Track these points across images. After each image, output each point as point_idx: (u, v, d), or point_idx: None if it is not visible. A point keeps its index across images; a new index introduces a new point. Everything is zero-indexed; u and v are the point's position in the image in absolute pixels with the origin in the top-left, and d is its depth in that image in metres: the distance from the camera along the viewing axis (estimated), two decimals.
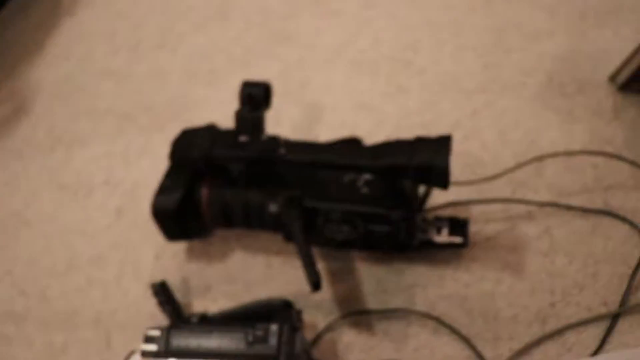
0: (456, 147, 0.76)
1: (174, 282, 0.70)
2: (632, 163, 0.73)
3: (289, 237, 0.67)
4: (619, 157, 0.74)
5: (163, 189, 0.66)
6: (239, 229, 0.69)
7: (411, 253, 0.69)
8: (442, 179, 0.58)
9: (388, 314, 0.66)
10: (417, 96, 0.83)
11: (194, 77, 0.91)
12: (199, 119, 0.76)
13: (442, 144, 0.59)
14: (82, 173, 0.84)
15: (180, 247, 0.74)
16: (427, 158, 0.58)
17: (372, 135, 0.79)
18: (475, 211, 0.72)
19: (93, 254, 0.76)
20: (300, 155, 0.63)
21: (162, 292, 0.65)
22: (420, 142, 0.60)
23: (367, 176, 0.63)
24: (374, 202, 0.62)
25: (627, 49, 0.84)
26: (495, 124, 0.79)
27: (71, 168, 0.84)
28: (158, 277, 0.70)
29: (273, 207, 0.64)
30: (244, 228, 0.69)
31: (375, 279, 0.69)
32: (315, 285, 0.57)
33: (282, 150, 0.63)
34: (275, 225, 0.65)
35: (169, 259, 0.73)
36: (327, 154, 0.63)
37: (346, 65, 0.88)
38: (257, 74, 0.86)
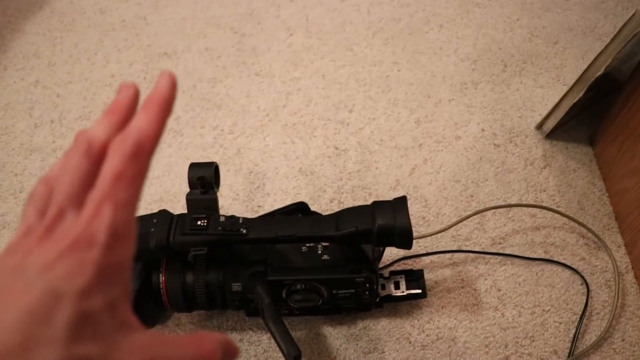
0: None
1: None
2: (564, 215, 0.77)
3: (251, 313, 0.68)
4: (552, 210, 0.77)
5: None
6: (199, 310, 0.68)
7: (374, 310, 0.70)
8: (405, 239, 0.60)
9: None
10: (355, 156, 0.84)
11: None
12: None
13: (400, 205, 0.61)
14: None
15: None
16: (389, 220, 0.59)
17: (315, 199, 0.79)
18: (423, 265, 0.73)
19: None
20: (262, 233, 0.62)
21: None
22: (378, 207, 0.61)
23: (324, 243, 0.64)
24: (337, 268, 0.63)
25: (548, 97, 0.89)
26: (435, 181, 0.81)
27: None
28: None
29: (236, 287, 0.63)
30: (204, 309, 0.67)
31: (342, 339, 0.68)
32: (296, 359, 0.57)
33: (242, 230, 0.62)
34: (239, 303, 0.64)
35: None
36: (288, 228, 0.63)
37: (281, 128, 0.88)
38: (190, 143, 0.84)
